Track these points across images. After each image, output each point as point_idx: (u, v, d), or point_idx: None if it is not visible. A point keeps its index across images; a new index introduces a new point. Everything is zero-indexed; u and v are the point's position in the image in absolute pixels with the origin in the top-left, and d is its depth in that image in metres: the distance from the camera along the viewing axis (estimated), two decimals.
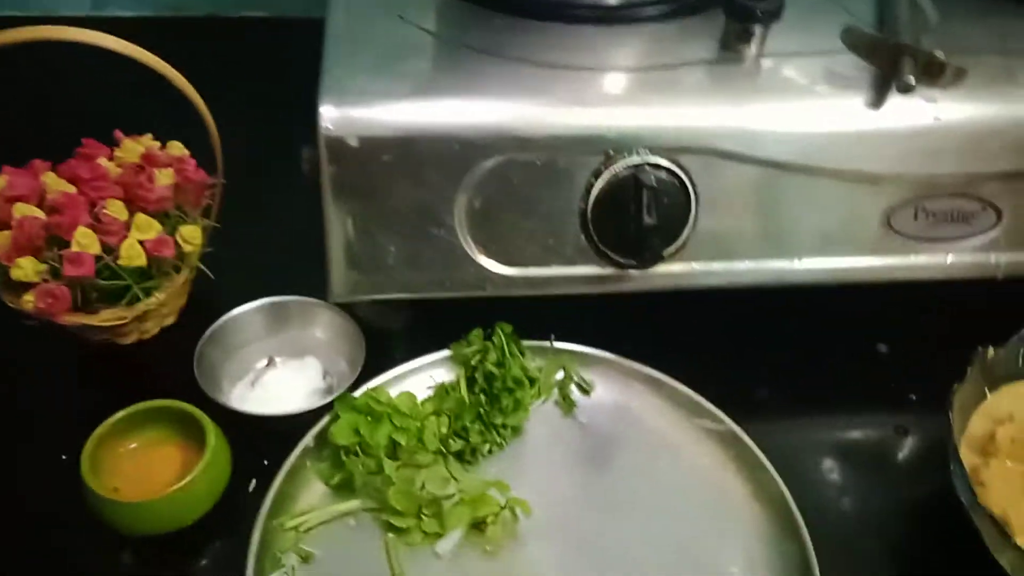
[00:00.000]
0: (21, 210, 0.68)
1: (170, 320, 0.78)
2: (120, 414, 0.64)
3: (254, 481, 0.68)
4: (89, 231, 0.67)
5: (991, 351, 0.66)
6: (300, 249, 0.74)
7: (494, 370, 0.71)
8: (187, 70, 0.69)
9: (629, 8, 0.75)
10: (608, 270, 0.71)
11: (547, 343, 0.75)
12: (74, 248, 0.67)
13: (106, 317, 0.70)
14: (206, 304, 0.78)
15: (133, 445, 0.66)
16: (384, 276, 0.70)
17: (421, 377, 0.73)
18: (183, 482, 0.61)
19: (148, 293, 0.71)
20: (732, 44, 0.71)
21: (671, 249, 0.70)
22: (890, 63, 0.67)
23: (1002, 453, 0.62)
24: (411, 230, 0.69)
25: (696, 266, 0.72)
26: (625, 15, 0.75)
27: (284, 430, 0.71)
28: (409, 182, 0.67)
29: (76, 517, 0.63)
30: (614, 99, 0.68)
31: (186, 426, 0.66)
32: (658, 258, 0.69)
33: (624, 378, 0.74)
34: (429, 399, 0.72)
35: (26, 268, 0.66)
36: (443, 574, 0.63)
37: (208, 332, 0.71)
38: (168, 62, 0.68)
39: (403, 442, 0.67)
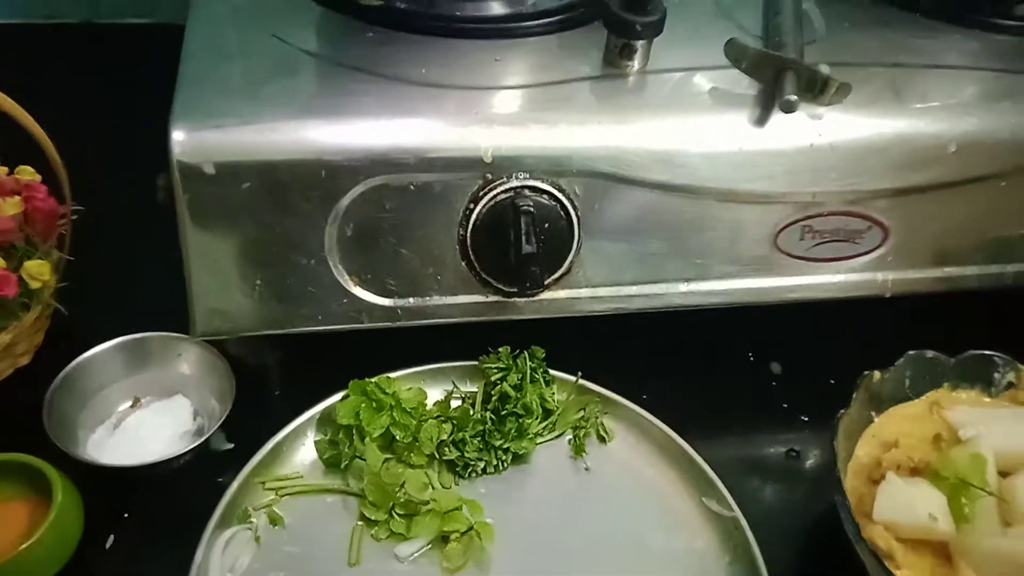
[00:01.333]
0: None
1: (24, 360, 0.72)
2: None
3: (112, 536, 0.63)
4: None
5: (876, 375, 0.65)
6: (163, 282, 0.69)
7: (510, 391, 0.69)
8: (54, 83, 0.64)
9: (509, 22, 0.72)
10: (491, 298, 0.68)
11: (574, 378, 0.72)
12: None
13: None
14: (65, 341, 0.72)
15: None
16: (250, 311, 0.65)
17: (445, 381, 0.72)
18: (26, 544, 0.56)
19: None
20: (615, 59, 0.69)
21: (554, 276, 0.67)
22: (773, 79, 0.66)
23: None
24: (278, 261, 0.64)
25: (582, 292, 0.69)
26: (504, 29, 0.71)
27: (145, 478, 0.66)
28: (274, 211, 0.63)
29: None
30: (491, 119, 0.65)
31: (34, 480, 0.61)
32: (539, 286, 0.67)
33: (644, 436, 0.70)
34: (440, 403, 0.71)
35: None
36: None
37: (59, 378, 0.66)
38: (37, 73, 0.62)
39: (398, 437, 0.66)
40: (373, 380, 0.69)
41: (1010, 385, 0.69)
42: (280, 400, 0.73)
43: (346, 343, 0.72)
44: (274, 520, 0.64)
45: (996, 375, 0.69)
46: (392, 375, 0.70)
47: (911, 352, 0.67)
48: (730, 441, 0.73)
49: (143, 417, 0.68)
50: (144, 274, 0.77)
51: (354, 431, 0.67)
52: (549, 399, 0.71)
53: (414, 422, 0.67)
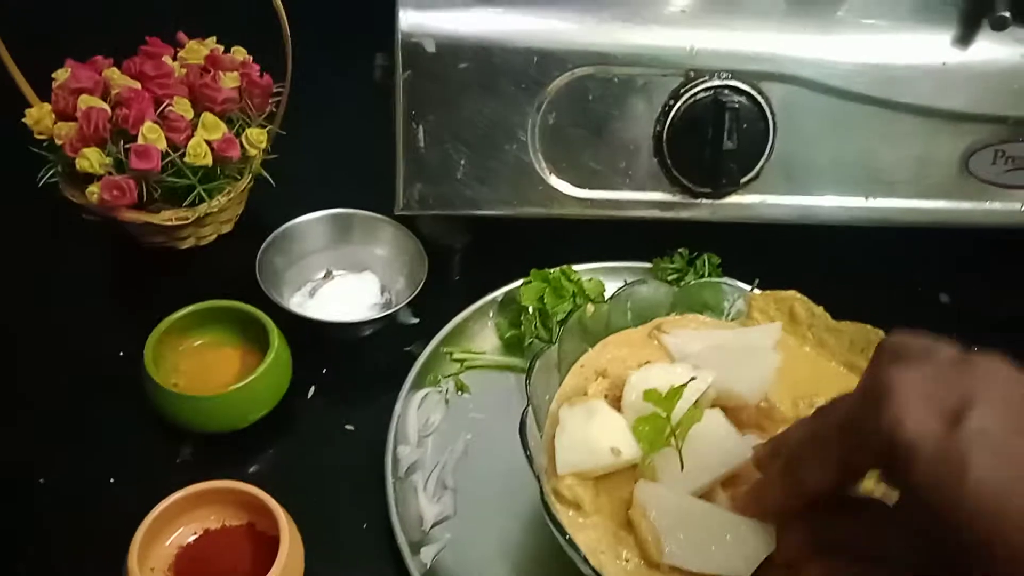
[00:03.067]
0: (86, 101, 0.67)
1: (227, 228, 0.77)
2: (184, 311, 0.64)
3: (313, 388, 0.67)
4: (156, 126, 0.66)
5: (590, 308, 0.60)
6: (363, 163, 0.73)
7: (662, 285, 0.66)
8: None
9: None
10: (678, 197, 0.70)
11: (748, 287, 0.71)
12: (140, 142, 0.66)
13: (168, 216, 0.69)
14: (263, 215, 0.77)
15: (197, 343, 0.65)
16: (452, 190, 0.69)
17: (618, 278, 0.72)
18: (246, 380, 0.60)
19: (211, 195, 0.70)
20: None
21: (744, 179, 0.69)
22: None
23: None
24: (483, 143, 0.67)
25: (768, 199, 0.70)
26: None
27: (343, 340, 0.70)
28: (485, 92, 0.66)
29: (134, 413, 0.63)
30: (698, 19, 0.66)
31: (247, 329, 0.65)
32: (735, 185, 0.68)
33: None
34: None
35: (91, 159, 0.65)
36: None
37: (271, 237, 0.70)
38: None
39: None
40: (555, 269, 0.71)
41: (740, 313, 0.64)
42: (462, 284, 0.76)
43: (526, 236, 0.75)
44: (461, 387, 0.67)
45: (725, 304, 0.64)
46: (573, 266, 0.72)
47: (632, 281, 0.62)
48: None
49: (336, 287, 0.72)
50: (346, 154, 0.81)
51: (536, 314, 0.69)
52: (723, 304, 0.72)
53: None
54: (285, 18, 0.68)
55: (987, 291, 0.79)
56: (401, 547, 0.57)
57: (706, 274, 0.72)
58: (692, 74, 0.66)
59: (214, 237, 0.76)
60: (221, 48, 0.76)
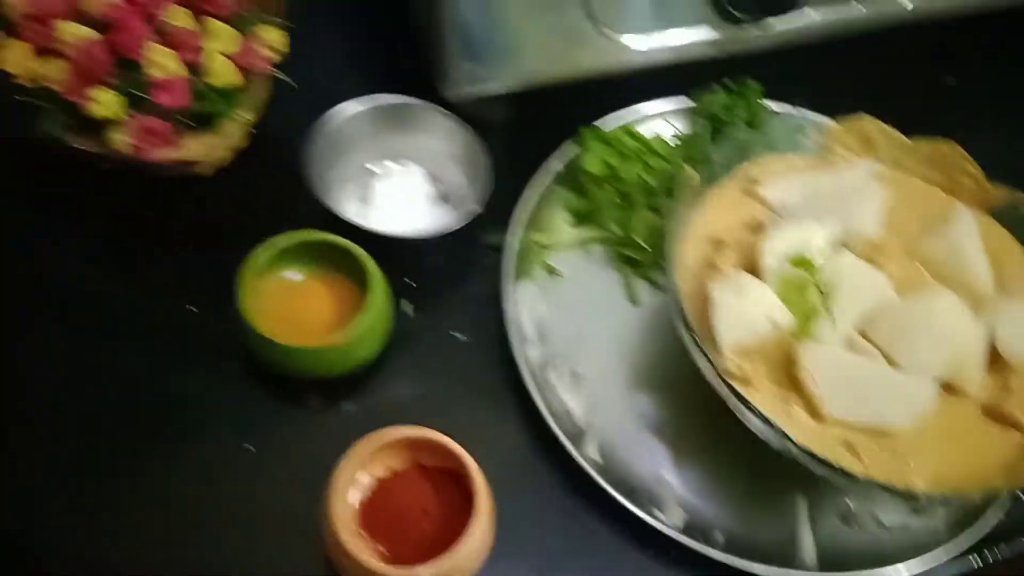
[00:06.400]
0: (68, 31, 0.55)
1: (242, 144, 0.67)
2: (267, 251, 0.58)
3: (411, 305, 0.64)
4: (164, 48, 0.56)
5: (689, 171, 0.59)
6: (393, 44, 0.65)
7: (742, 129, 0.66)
8: None
9: None
10: (726, 31, 0.67)
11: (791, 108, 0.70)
12: (152, 70, 0.56)
13: (196, 149, 0.60)
14: (271, 121, 0.68)
15: (276, 280, 0.60)
16: (507, 63, 0.63)
17: (658, 123, 0.71)
18: (361, 316, 0.56)
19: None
20: None
21: None
22: None
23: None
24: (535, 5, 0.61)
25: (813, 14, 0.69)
26: None
27: (415, 247, 0.66)
28: None
29: (233, 370, 0.59)
30: None
31: (319, 255, 0.60)
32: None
33: None
34: (678, 147, 0.69)
35: (107, 102, 0.55)
36: None
37: (314, 146, 0.63)
38: None
39: (653, 183, 0.66)
40: (611, 128, 0.68)
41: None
42: (508, 160, 0.70)
43: (548, 96, 0.70)
44: (551, 271, 0.66)
45: (802, 139, 0.64)
46: (613, 119, 0.70)
47: (724, 129, 0.65)
48: None
49: (386, 186, 0.67)
50: (368, 41, 0.72)
51: (607, 181, 0.67)
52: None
53: (667, 166, 0.67)
54: None
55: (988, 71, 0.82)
56: (566, 445, 0.57)
57: (752, 101, 0.70)
58: None
59: (232, 156, 0.67)
60: None
